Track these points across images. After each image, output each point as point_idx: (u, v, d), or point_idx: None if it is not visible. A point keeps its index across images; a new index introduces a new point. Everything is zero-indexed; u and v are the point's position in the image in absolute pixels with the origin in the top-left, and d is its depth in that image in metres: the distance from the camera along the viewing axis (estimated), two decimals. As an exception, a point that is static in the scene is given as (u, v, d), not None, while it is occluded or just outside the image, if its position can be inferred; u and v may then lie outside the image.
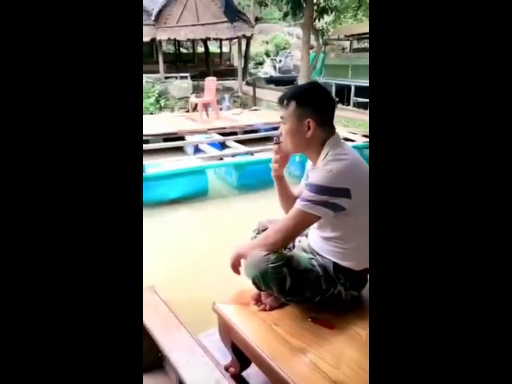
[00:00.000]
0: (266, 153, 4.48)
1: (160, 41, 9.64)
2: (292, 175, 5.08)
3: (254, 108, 8.29)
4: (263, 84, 11.88)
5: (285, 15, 11.12)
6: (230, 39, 11.94)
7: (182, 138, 5.61)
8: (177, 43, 13.25)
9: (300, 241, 1.33)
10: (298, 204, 1.09)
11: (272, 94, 10.15)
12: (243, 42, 10.64)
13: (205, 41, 12.06)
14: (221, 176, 4.48)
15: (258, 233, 1.42)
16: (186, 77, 9.55)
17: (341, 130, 5.08)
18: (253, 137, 5.67)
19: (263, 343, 1.10)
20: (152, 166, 3.90)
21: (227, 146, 5.35)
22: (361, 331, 1.12)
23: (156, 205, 3.58)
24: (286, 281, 1.10)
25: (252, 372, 1.31)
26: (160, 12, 9.61)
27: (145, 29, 9.22)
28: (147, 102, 8.48)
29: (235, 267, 1.22)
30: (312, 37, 9.49)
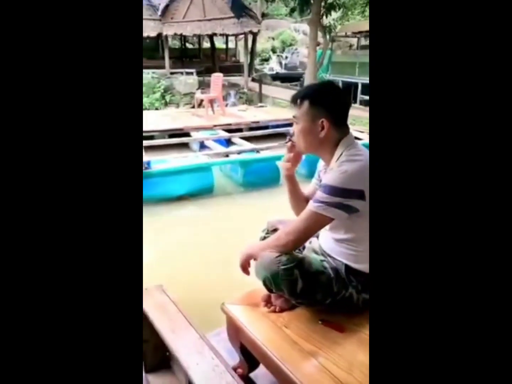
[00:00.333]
0: (272, 151, 4.46)
1: (166, 36, 9.62)
2: (298, 174, 5.06)
3: (260, 104, 8.25)
4: (269, 80, 11.83)
5: (292, 11, 11.07)
6: (237, 35, 11.89)
7: (187, 134, 5.60)
8: (183, 38, 13.21)
9: (311, 242, 1.31)
10: (311, 206, 1.07)
11: (278, 91, 10.12)
12: (250, 38, 10.59)
13: (211, 37, 12.01)
14: (226, 173, 4.47)
15: (267, 233, 1.41)
16: (192, 73, 9.53)
17: (348, 128, 5.03)
18: (259, 134, 5.65)
19: (273, 345, 1.08)
20: (158, 162, 3.89)
21: (232, 143, 5.33)
22: (372, 335, 1.10)
23: (162, 201, 3.58)
24: (297, 283, 1.08)
25: (260, 374, 1.30)
26: (166, 7, 9.58)
27: (151, 24, 9.20)
28: (152, 97, 8.48)
29: (245, 267, 1.20)
30: (319, 33, 9.43)
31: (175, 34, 10.02)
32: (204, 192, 3.89)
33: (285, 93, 10.07)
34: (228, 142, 5.45)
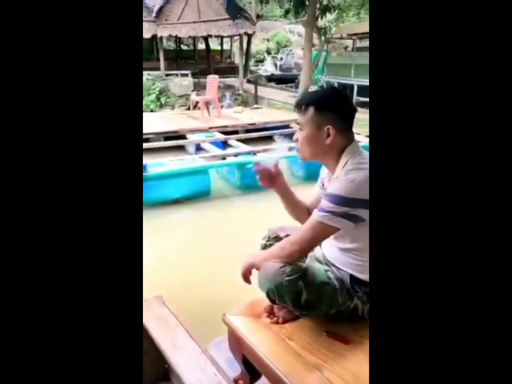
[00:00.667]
0: (269, 153, 4.43)
1: (161, 38, 9.56)
2: (295, 176, 5.03)
3: (255, 106, 8.23)
4: (264, 82, 11.81)
5: (286, 12, 11.10)
6: (232, 37, 11.87)
7: (183, 137, 5.56)
8: (178, 40, 13.16)
9: (314, 251, 1.28)
10: (317, 215, 1.04)
11: (273, 92, 10.11)
12: (245, 39, 10.57)
13: (206, 38, 11.97)
14: (223, 176, 4.43)
15: (268, 240, 1.38)
16: (187, 75, 9.48)
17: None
18: (255, 136, 5.62)
19: (276, 358, 1.05)
20: (154, 165, 3.85)
21: (229, 145, 5.30)
22: (379, 347, 1.07)
23: (158, 205, 3.53)
24: (301, 295, 1.05)
25: (262, 386, 1.27)
26: (161, 8, 9.53)
27: (146, 25, 9.14)
28: (147, 99, 8.41)
29: (246, 276, 1.17)
30: (314, 35, 9.43)
31: (170, 35, 9.97)
32: (201, 195, 3.85)
33: (281, 94, 10.07)
34: (224, 144, 5.41)
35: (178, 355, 1.04)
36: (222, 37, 12.36)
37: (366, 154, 1.10)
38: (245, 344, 1.15)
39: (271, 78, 13.26)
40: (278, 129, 5.96)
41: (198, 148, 5.24)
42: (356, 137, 1.15)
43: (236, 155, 4.40)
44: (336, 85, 9.75)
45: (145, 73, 8.79)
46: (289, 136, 6.38)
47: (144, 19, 9.25)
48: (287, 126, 6.17)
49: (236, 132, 5.88)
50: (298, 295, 1.06)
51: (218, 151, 4.67)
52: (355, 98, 8.66)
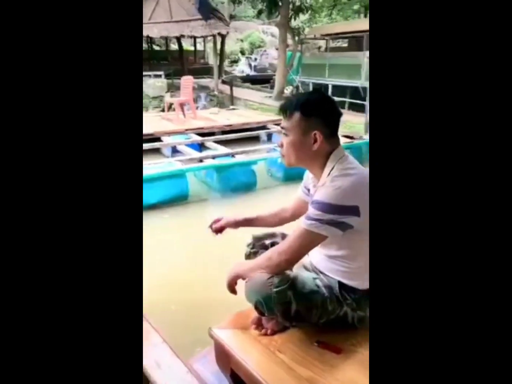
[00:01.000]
0: (248, 155, 4.39)
1: (132, 38, 9.30)
2: (274, 177, 5.01)
3: (232, 107, 8.16)
4: (239, 82, 11.76)
5: (259, 13, 11.07)
6: (205, 37, 11.75)
7: (158, 139, 5.42)
8: (150, 40, 12.88)
9: (301, 258, 1.25)
10: (304, 224, 1.01)
11: (249, 93, 10.08)
12: (218, 40, 10.47)
13: (179, 39, 11.78)
14: (201, 179, 4.35)
15: (252, 248, 1.34)
16: (160, 76, 9.28)
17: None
18: (233, 137, 5.56)
19: (266, 373, 1.01)
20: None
21: (206, 147, 5.21)
22: (370, 355, 1.05)
23: (135, 211, 3.42)
24: (291, 306, 1.02)
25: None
26: (131, 7, 9.27)
27: (116, 25, 8.87)
28: (120, 101, 8.16)
29: (232, 287, 1.13)
30: (288, 36, 9.48)
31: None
32: (178, 199, 3.75)
33: (257, 95, 10.05)
34: (201, 147, 5.32)
35: (163, 377, 0.98)
36: (195, 38, 12.20)
37: (352, 159, 1.08)
38: (233, 359, 1.10)
39: (246, 79, 13.23)
40: (256, 130, 5.93)
41: (174, 151, 5.12)
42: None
43: (214, 157, 4.33)
44: (310, 85, 9.84)
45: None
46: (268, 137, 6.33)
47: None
48: (264, 127, 6.16)
49: (212, 134, 5.79)
50: (288, 306, 1.02)
51: (195, 154, 4.58)
52: (330, 98, 8.74)
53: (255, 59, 15.89)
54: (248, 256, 1.34)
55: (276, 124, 5.86)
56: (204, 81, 10.42)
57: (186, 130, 5.70)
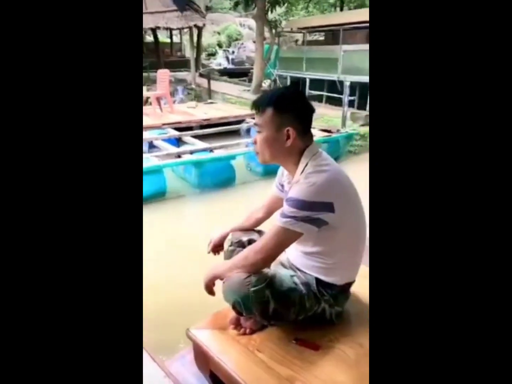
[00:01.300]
0: (226, 150, 4.35)
1: (105, 30, 9.01)
2: (253, 172, 4.98)
3: (209, 101, 8.05)
4: (217, 76, 11.61)
5: (236, 4, 10.91)
6: (181, 29, 11.50)
7: (134, 135, 5.28)
8: (124, 31, 12.49)
9: (278, 256, 1.24)
10: (279, 221, 1.00)
11: (227, 86, 9.96)
12: (195, 32, 10.29)
13: (154, 30, 11.49)
14: (179, 175, 4.28)
15: (230, 245, 1.32)
16: (135, 69, 9.03)
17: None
18: (211, 132, 5.49)
19: (246, 373, 1.01)
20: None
21: (184, 142, 5.12)
22: (348, 350, 1.06)
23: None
24: (269, 305, 1.01)
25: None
26: (103, -2, 8.97)
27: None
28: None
29: (210, 288, 1.11)
30: (265, 28, 9.40)
31: (115, 27, 9.42)
32: (155, 196, 3.68)
33: (234, 88, 9.95)
34: (178, 142, 5.23)
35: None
36: (171, 30, 11.93)
37: (326, 155, 1.07)
38: (212, 360, 1.08)
39: (223, 72, 13.07)
40: (234, 124, 5.88)
41: (151, 146, 5.01)
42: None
43: (191, 152, 4.25)
44: (288, 79, 9.82)
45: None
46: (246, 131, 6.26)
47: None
48: (243, 122, 6.12)
49: (190, 128, 5.69)
50: (266, 305, 1.02)
51: (173, 149, 4.50)
52: (308, 91, 8.77)
53: (233, 52, 15.73)
54: (227, 253, 1.32)
55: (254, 118, 5.83)
56: (181, 74, 10.24)
57: (163, 124, 5.57)
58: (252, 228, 1.34)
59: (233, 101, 8.29)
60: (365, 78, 6.91)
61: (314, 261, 1.10)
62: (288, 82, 9.73)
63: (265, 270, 1.07)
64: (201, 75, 10.13)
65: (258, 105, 1.04)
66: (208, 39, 16.72)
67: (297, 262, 1.15)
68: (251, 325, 1.13)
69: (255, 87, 9.25)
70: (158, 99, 6.41)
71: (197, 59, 11.05)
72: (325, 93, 8.62)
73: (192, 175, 4.03)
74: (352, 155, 5.29)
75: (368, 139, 5.53)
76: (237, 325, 1.15)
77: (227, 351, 1.08)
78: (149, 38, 13.71)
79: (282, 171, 1.22)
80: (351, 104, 6.70)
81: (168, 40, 13.67)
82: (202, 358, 1.15)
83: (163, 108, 6.45)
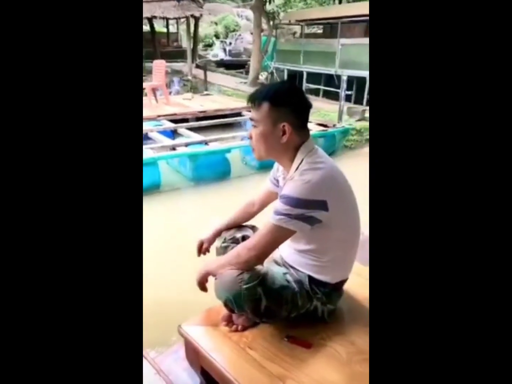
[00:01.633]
0: (222, 143, 4.31)
1: (100, 18, 8.85)
2: (248, 165, 4.95)
3: (206, 92, 7.97)
4: (214, 67, 11.50)
5: (234, -5, 10.76)
6: (178, 19, 11.35)
7: (129, 126, 5.22)
8: (119, 20, 12.29)
9: (271, 252, 1.23)
10: (273, 219, 0.98)
11: (224, 78, 9.88)
12: (192, 22, 10.15)
13: (150, 20, 11.31)
14: (174, 167, 4.25)
15: (224, 242, 1.31)
16: (131, 58, 8.91)
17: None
18: (207, 124, 5.44)
19: (237, 371, 1.00)
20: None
21: (179, 134, 5.08)
22: (340, 349, 1.06)
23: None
24: (261, 302, 1.00)
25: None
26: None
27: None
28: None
29: (202, 285, 1.09)
30: (263, 20, 9.30)
31: (110, 15, 9.26)
32: (150, 188, 3.65)
33: (231, 80, 9.87)
34: (174, 134, 5.18)
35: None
36: (167, 19, 11.77)
37: (321, 152, 1.06)
38: (203, 357, 1.08)
39: (220, 63, 12.95)
40: (230, 117, 5.83)
41: (146, 138, 4.96)
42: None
43: (187, 145, 4.22)
44: (285, 72, 9.75)
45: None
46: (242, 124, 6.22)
47: None
48: (239, 114, 6.07)
49: (186, 120, 5.64)
50: (258, 302, 1.00)
51: (168, 141, 4.45)
52: (305, 85, 8.72)
53: (230, 43, 15.57)
54: (220, 249, 1.31)
55: (250, 112, 5.79)
56: (177, 65, 10.12)
57: (158, 116, 5.51)
58: (244, 222, 1.32)
59: (229, 93, 8.23)
60: (363, 73, 6.88)
61: (307, 258, 1.09)
62: (286, 75, 9.66)
63: (258, 267, 1.06)
64: (197, 66, 10.02)
65: (254, 99, 1.01)
66: (205, 29, 16.54)
67: (290, 260, 1.14)
68: (243, 322, 1.12)
69: (252, 80, 9.18)
70: (154, 90, 6.35)
71: (194, 49, 10.93)
72: (322, 87, 8.58)
73: (187, 168, 4.00)
74: (348, 150, 5.28)
75: (363, 134, 5.52)
76: (229, 322, 1.14)
77: (219, 348, 1.08)
78: (145, 27, 13.51)
79: (277, 166, 1.21)
80: (348, 98, 6.67)
81: (165, 30, 13.50)
82: (193, 354, 1.14)
83: (158, 99, 6.39)
